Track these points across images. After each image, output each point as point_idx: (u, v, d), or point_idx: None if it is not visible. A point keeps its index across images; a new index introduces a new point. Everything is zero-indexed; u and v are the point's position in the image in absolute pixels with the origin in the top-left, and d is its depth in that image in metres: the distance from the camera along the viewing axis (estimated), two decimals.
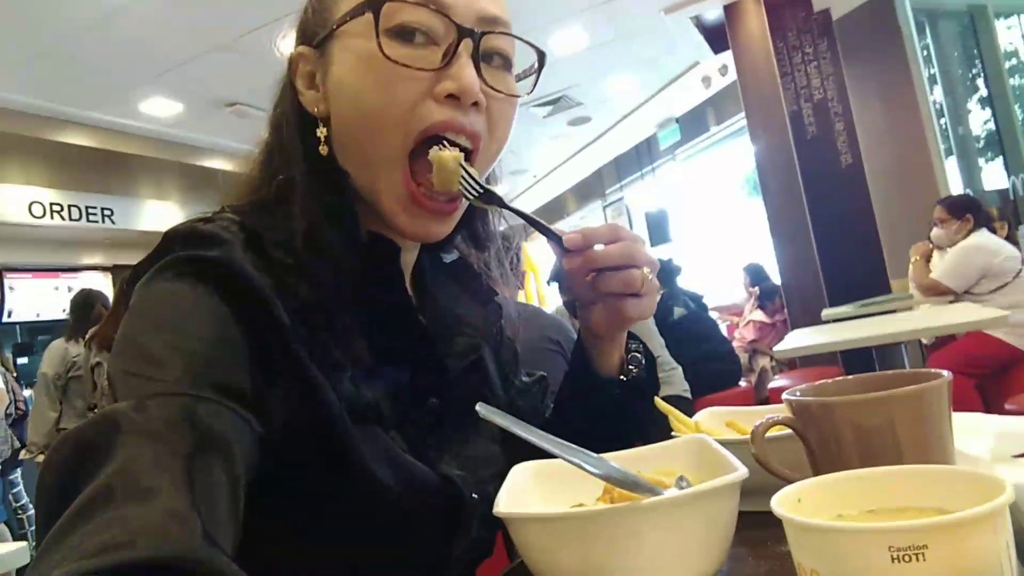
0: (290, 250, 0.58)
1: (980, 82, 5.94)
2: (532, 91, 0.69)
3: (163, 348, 0.48)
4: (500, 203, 0.64)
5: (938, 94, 5.78)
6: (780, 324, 4.94)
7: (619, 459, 0.54)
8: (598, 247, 0.63)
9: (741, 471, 0.46)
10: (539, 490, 0.58)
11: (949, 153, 5.65)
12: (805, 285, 4.55)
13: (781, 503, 0.39)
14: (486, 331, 0.76)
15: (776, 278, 5.16)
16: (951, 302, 3.57)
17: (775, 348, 2.67)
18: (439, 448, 0.64)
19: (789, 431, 0.54)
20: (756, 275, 5.55)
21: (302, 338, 0.54)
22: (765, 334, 5.01)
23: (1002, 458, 0.58)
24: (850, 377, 0.56)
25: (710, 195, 7.78)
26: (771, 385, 4.45)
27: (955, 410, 0.51)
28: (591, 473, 0.47)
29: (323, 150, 0.64)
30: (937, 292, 3.62)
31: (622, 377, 0.74)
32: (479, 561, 0.70)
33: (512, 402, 0.78)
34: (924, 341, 4.05)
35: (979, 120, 6.02)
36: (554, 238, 0.64)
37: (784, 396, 0.54)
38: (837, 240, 4.41)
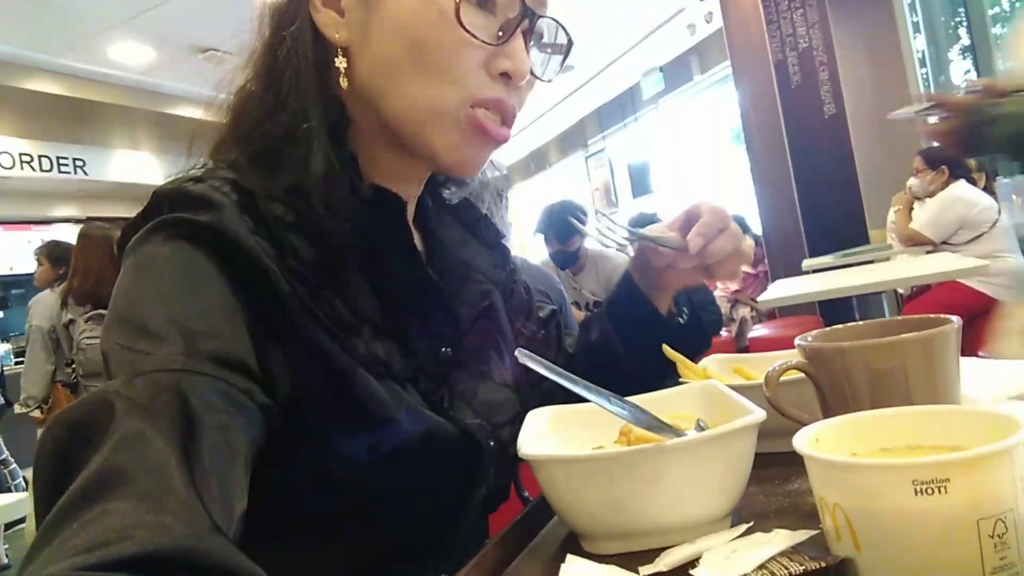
0: (293, 206, 0.55)
1: (963, 31, 5.91)
2: (558, 73, 0.69)
3: (159, 320, 0.46)
4: (643, 239, 0.72)
5: (920, 43, 5.76)
6: (763, 275, 5.00)
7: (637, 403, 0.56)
8: (712, 246, 0.69)
9: (759, 413, 0.48)
10: (556, 434, 0.60)
11: None
12: (786, 235, 4.59)
13: (801, 442, 0.41)
14: (495, 275, 0.75)
15: (757, 228, 5.20)
16: (928, 252, 3.63)
17: (759, 298, 2.72)
18: (453, 397, 0.64)
19: (798, 376, 0.56)
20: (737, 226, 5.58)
21: (305, 302, 0.53)
22: (748, 284, 5.08)
23: (998, 400, 0.61)
24: (861, 323, 0.58)
25: (693, 145, 7.75)
26: (751, 335, 4.54)
27: None
28: (625, 417, 0.49)
29: (343, 82, 0.60)
30: (917, 242, 3.69)
31: (679, 319, 0.79)
32: (495, 507, 0.71)
33: (524, 346, 0.78)
34: (901, 291, 4.14)
35: (960, 70, 6.02)
36: (682, 248, 0.70)
37: (797, 341, 0.56)
38: (819, 190, 4.44)
